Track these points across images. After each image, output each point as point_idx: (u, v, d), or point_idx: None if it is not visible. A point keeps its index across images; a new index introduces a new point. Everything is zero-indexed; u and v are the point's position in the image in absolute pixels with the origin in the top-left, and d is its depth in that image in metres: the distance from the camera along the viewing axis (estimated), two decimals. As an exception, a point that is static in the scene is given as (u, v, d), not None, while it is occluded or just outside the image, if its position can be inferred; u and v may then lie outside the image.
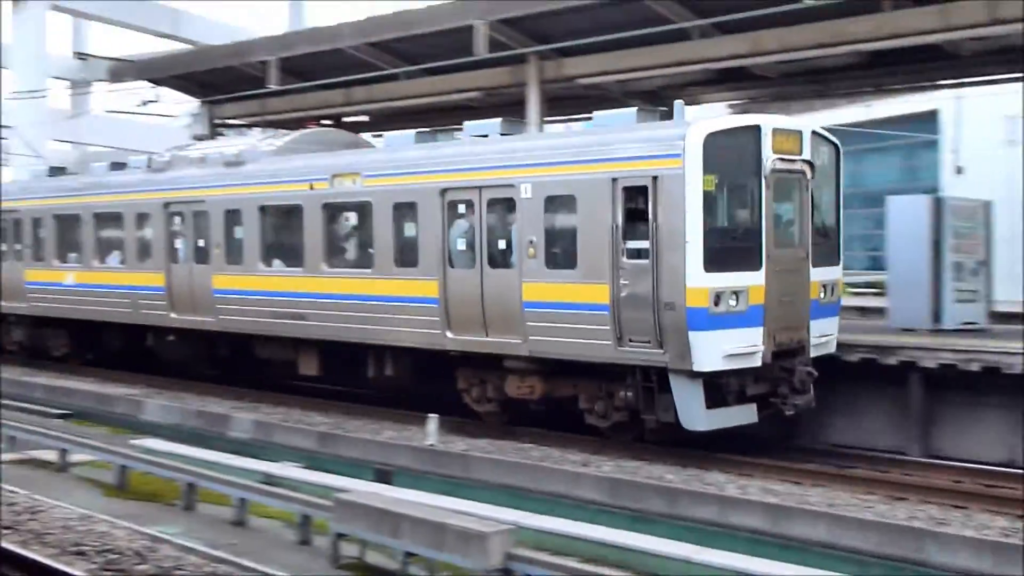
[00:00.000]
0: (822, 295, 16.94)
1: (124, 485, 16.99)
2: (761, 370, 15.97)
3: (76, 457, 18.40)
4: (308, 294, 20.62)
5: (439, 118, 27.35)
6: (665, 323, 15.57)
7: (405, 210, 18.99)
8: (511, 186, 17.30)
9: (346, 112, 27.54)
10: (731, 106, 26.69)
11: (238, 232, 22.13)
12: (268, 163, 21.93)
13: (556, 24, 21.65)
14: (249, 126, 31.10)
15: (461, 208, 18.15)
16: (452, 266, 18.28)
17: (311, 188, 20.53)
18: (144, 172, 25.08)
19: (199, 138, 29.36)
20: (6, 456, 19.17)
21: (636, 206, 15.84)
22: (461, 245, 18.18)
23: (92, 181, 26.68)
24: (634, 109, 17.04)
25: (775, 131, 16.13)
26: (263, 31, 53.51)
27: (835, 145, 17.51)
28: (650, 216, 15.63)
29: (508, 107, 25.41)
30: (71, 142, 61.13)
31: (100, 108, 62.47)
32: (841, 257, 17.63)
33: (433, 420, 18.32)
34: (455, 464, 17.11)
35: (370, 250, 19.66)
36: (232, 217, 22.20)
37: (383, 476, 17.34)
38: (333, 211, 20.45)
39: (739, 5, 19.29)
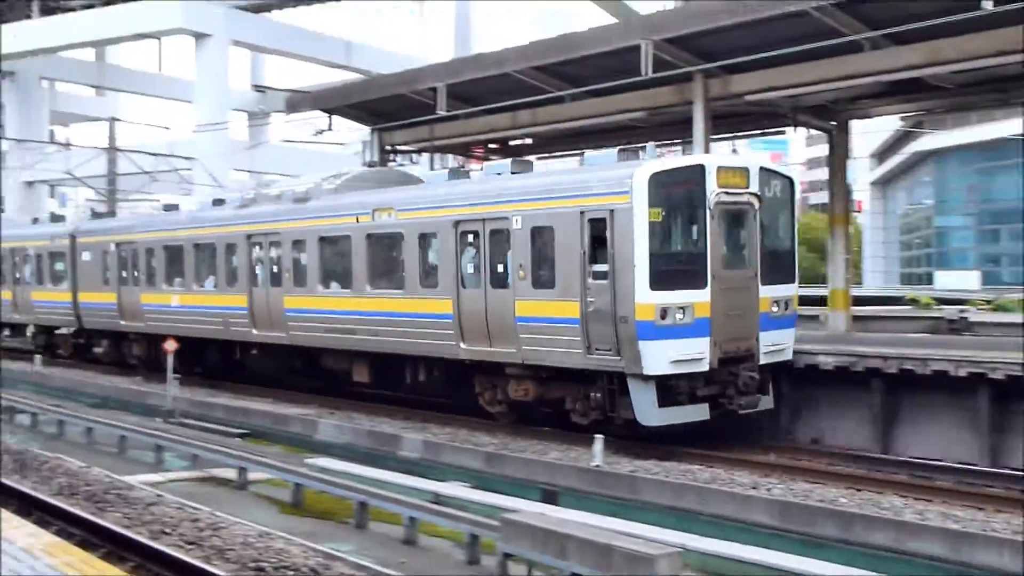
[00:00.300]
0: (775, 309, 19.98)
1: (299, 503, 17.38)
2: (710, 374, 18.82)
3: (254, 475, 18.93)
4: (356, 312, 24.06)
5: (604, 139, 27.37)
6: (621, 334, 18.53)
7: (428, 239, 22.27)
8: (506, 218, 20.47)
9: (512, 135, 27.78)
10: (903, 119, 26.09)
11: (303, 259, 25.81)
12: (327, 199, 25.63)
13: (722, 41, 21.47)
14: (419, 151, 31.66)
15: (470, 237, 21.31)
16: (464, 287, 21.31)
17: (357, 221, 24.15)
18: (233, 208, 28.96)
19: (370, 164, 30.15)
20: (190, 473, 19.82)
21: (599, 235, 18.86)
22: (470, 269, 21.27)
23: (193, 216, 30.57)
24: (615, 150, 19.94)
25: (720, 168, 19.19)
26: (431, 59, 54.36)
27: (788, 179, 20.58)
28: (608, 243, 18.68)
29: (673, 126, 25.30)
30: (249, 171, 63.03)
31: (276, 138, 64.30)
32: (796, 276, 20.75)
33: (599, 441, 18.34)
34: (621, 485, 17.08)
35: (402, 274, 22.92)
36: (298, 246, 25.94)
37: (549, 496, 17.37)
38: (374, 240, 23.78)
39: (914, 15, 18.83)
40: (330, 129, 31.86)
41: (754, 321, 19.55)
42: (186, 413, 26.14)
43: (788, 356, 20.25)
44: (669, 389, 18.65)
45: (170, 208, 33.51)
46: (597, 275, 18.90)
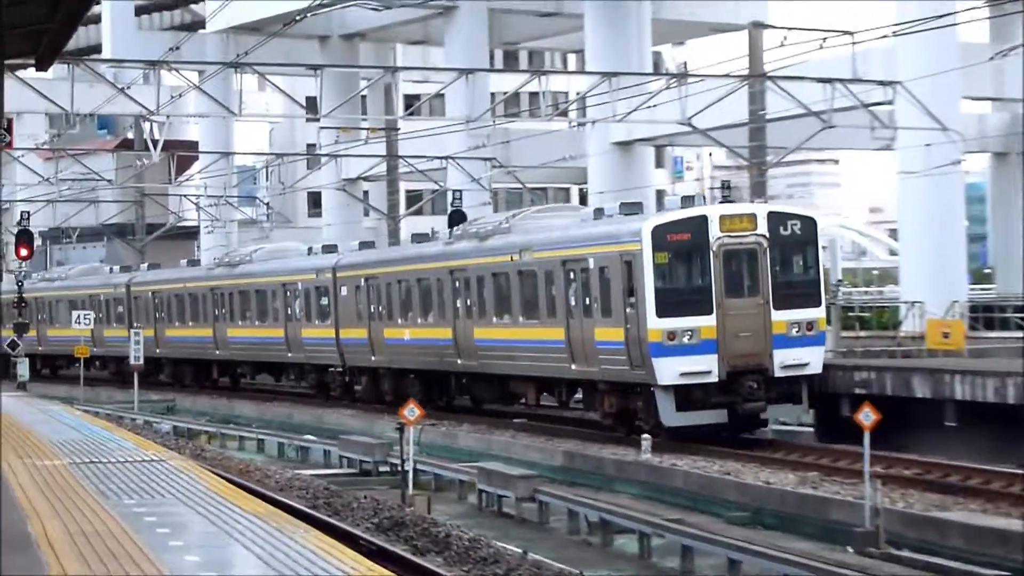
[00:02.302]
0: (795, 331, 25.93)
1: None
2: (725, 384, 25.35)
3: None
4: (514, 340, 30.30)
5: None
6: (642, 352, 25.44)
7: (551, 275, 28.74)
8: (586, 259, 27.41)
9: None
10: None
11: (485, 293, 31.38)
12: (497, 240, 31.50)
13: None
14: None
15: (571, 275, 27.97)
16: (571, 317, 27.90)
17: (511, 260, 30.54)
18: (442, 244, 34.57)
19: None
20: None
21: (630, 273, 25.84)
22: (573, 301, 27.84)
23: (417, 252, 35.51)
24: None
25: (723, 216, 25.74)
26: None
27: (808, 219, 26.74)
28: (635, 280, 25.65)
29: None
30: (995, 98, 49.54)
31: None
32: (821, 301, 26.67)
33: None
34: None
35: (536, 304, 29.37)
36: (481, 282, 31.47)
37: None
38: (523, 276, 29.96)
39: None
40: None
41: (765, 341, 25.82)
42: (897, 537, 17.62)
43: (814, 371, 26.21)
44: (686, 396, 25.33)
45: (421, 238, 36.81)
46: (629, 305, 25.96)
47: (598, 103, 36.94)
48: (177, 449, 26.82)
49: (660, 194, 40.55)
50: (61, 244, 75.07)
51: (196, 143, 67.03)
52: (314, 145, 61.27)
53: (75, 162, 57.37)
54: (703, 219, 25.85)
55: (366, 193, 64.04)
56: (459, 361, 32.47)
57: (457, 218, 40.37)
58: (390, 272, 35.97)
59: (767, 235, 26.06)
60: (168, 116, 36.55)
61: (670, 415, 25.44)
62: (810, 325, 26.28)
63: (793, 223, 26.34)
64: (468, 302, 31.94)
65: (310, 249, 43.12)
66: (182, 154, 53.10)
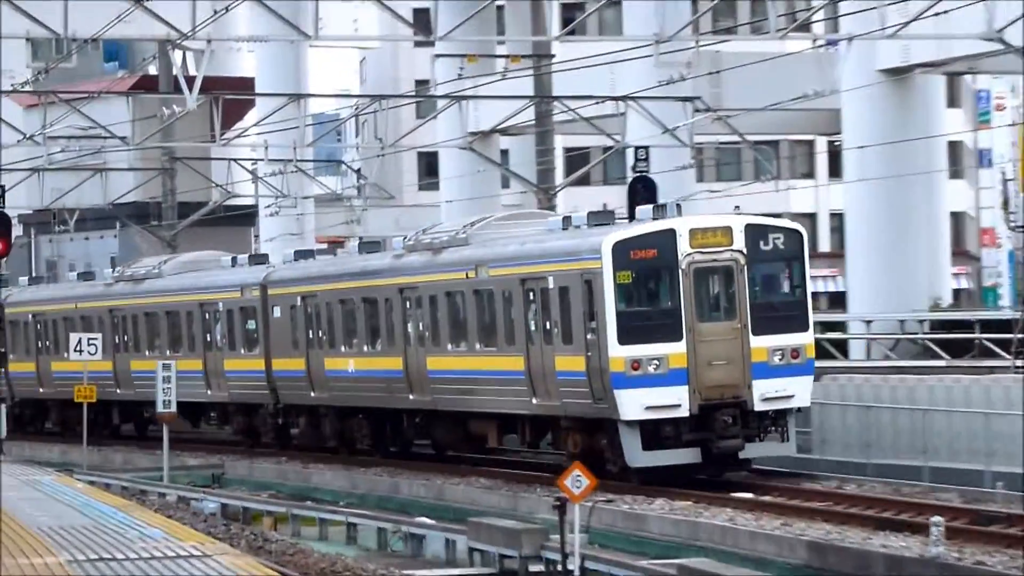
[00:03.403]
0: (777, 358, 32.83)
1: None
2: (698, 419, 32.08)
3: None
4: (471, 371, 37.70)
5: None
6: (604, 383, 31.99)
7: (509, 295, 36.12)
8: (544, 278, 34.84)
9: None
10: None
11: (439, 316, 39.08)
12: (452, 253, 39.07)
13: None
14: None
15: (531, 295, 35.49)
16: (531, 343, 35.59)
17: (466, 277, 37.67)
18: (391, 257, 42.91)
19: None
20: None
21: (591, 295, 32.64)
22: (532, 326, 35.42)
23: (363, 265, 43.96)
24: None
25: (693, 230, 32.55)
26: None
27: (793, 232, 33.86)
28: (595, 303, 32.35)
29: None
30: None
31: None
32: (808, 324, 33.55)
33: None
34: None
35: (494, 329, 36.66)
36: (433, 302, 39.36)
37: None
38: (479, 296, 37.18)
39: None
40: None
41: (743, 370, 32.77)
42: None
43: (800, 403, 33.71)
44: (654, 433, 32.06)
45: (370, 248, 43.79)
46: (590, 331, 32.77)
47: (858, 9, 37.61)
48: (229, 539, 27.15)
49: (955, 147, 39.47)
50: (53, 234, 76.46)
51: (251, 81, 67.95)
52: (426, 83, 61.65)
53: (72, 111, 57.96)
54: (671, 233, 32.92)
55: (505, 154, 64.31)
56: (411, 396, 40.19)
57: (642, 190, 40.47)
58: (332, 289, 42.98)
59: (744, 251, 33.08)
60: (209, 41, 37.08)
61: (636, 454, 32.38)
62: (795, 352, 33.36)
63: (775, 237, 33.52)
64: (420, 326, 39.62)
65: (234, 260, 49.75)
66: (231, 96, 53.71)
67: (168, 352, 49.36)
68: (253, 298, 45.40)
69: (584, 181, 63.37)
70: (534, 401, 35.56)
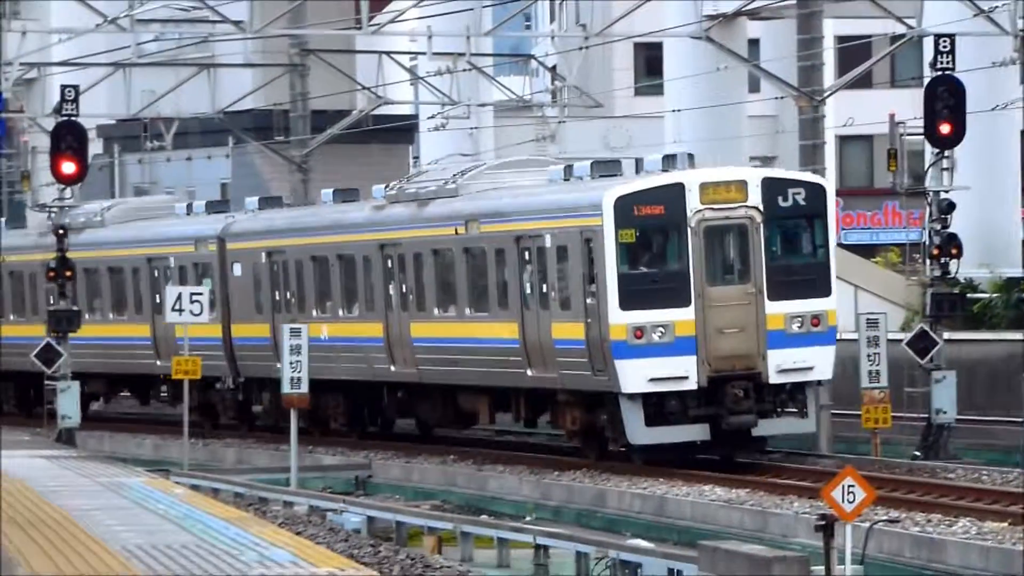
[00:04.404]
0: (796, 326, 38.80)
1: None
2: (707, 392, 38.10)
3: None
4: (460, 339, 45.37)
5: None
6: (604, 353, 38.14)
7: (502, 254, 43.84)
8: (541, 235, 41.61)
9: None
10: None
11: (424, 277, 46.70)
12: (440, 206, 46.29)
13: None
14: None
15: (526, 255, 42.54)
16: (527, 308, 42.94)
17: (455, 233, 44.49)
18: (370, 208, 50.73)
19: None
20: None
21: (591, 255, 39.39)
22: (528, 288, 42.75)
23: (335, 216, 51.95)
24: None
25: (703, 185, 38.44)
26: None
27: (815, 186, 39.57)
28: (595, 264, 38.86)
29: None
30: None
31: None
32: (830, 290, 39.35)
33: None
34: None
35: (486, 292, 43.94)
36: (418, 260, 47.07)
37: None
38: (470, 254, 44.22)
39: None
40: None
41: (757, 339, 39.03)
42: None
43: (821, 376, 40.01)
44: (658, 408, 37.98)
45: (347, 196, 50.93)
46: (590, 295, 39.19)
47: None
48: (378, 564, 27.48)
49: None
50: (143, 151, 77.35)
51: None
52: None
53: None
54: (679, 188, 39.15)
55: (754, 45, 64.20)
56: (392, 368, 47.78)
57: (945, 96, 41.38)
58: (302, 244, 50.12)
59: (761, 207, 39.10)
60: None
61: (638, 431, 38.48)
62: (816, 319, 39.65)
63: (795, 192, 39.38)
64: (403, 288, 46.76)
65: (189, 207, 56.57)
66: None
67: (111, 316, 55.87)
68: (209, 253, 51.99)
69: (864, 83, 63.08)
70: (529, 373, 42.86)
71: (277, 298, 50.26)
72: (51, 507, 26.95)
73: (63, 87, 46.18)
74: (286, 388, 46.60)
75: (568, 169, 42.53)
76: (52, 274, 49.44)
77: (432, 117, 63.38)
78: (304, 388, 46.30)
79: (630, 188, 39.29)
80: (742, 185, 38.74)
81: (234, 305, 52.08)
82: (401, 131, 71.09)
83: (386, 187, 48.93)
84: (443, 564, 33.08)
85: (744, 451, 40.95)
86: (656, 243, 39.01)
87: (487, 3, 61.88)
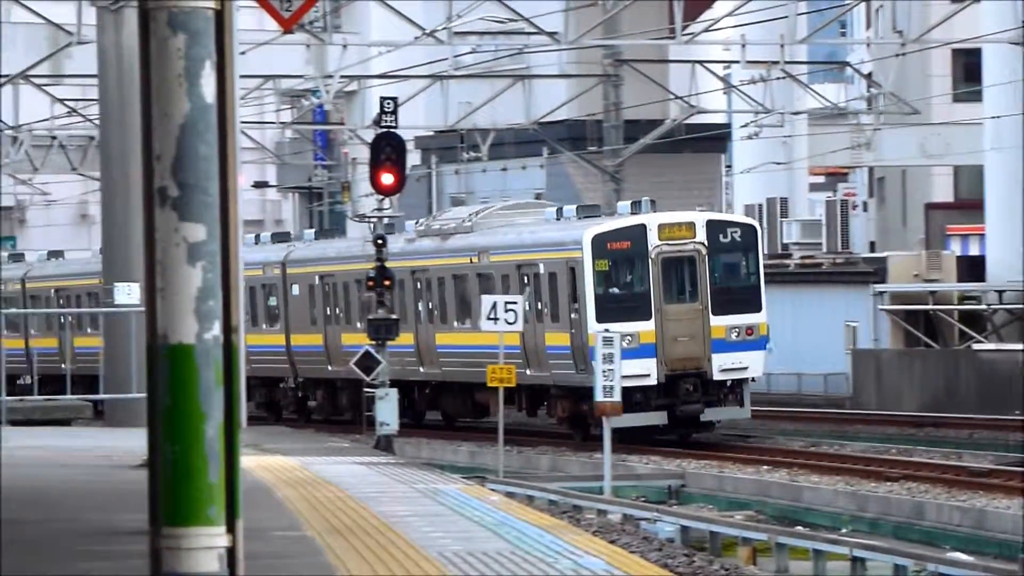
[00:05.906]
0: (734, 335, 56.18)
1: None
2: (663, 387, 56.40)
3: None
4: (476, 346, 57.89)
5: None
6: (585, 356, 55.25)
7: (507, 279, 60.06)
8: (536, 264, 59.28)
9: None
10: None
11: (447, 296, 61.76)
12: (459, 240, 61.22)
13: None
14: None
15: (525, 279, 59.37)
16: (525, 321, 53.96)
17: (471, 262, 61.06)
18: (404, 240, 66.33)
19: None
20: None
21: (574, 280, 58.28)
22: (527, 306, 53.96)
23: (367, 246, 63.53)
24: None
25: (661, 225, 56.57)
26: None
27: (748, 227, 58.78)
28: (576, 287, 57.79)
29: None
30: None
31: None
32: (761, 306, 56.99)
33: None
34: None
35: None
36: (442, 284, 61.67)
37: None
38: (482, 279, 60.03)
39: None
40: None
41: (703, 345, 55.27)
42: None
43: (754, 374, 56.45)
44: (627, 399, 49.20)
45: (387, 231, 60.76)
46: (574, 311, 55.04)
47: None
48: (692, 574, 27.18)
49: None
50: (460, 162, 77.94)
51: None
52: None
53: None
54: (642, 228, 55.22)
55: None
56: (421, 369, 62.53)
57: None
58: (347, 270, 63.91)
59: (706, 243, 54.99)
60: None
61: (612, 417, 47.90)
62: (750, 330, 55.40)
63: (733, 231, 54.97)
64: (430, 305, 61.87)
65: (257, 238, 69.18)
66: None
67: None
68: (274, 276, 64.48)
69: None
70: (528, 372, 57.20)
71: (328, 313, 65.64)
72: (370, 513, 27.15)
73: (382, 99, 46.99)
74: (599, 396, 48.05)
75: (559, 211, 59.18)
76: (371, 282, 50.41)
77: (745, 126, 63.37)
78: (617, 396, 47.33)
79: (604, 228, 56.55)
80: (691, 225, 55.85)
81: (293, 319, 66.52)
82: (714, 140, 71.04)
83: (416, 223, 65.11)
84: (758, 575, 32.90)
85: (695, 432, 58.10)
86: (624, 271, 56.30)
87: (802, 11, 61.67)
